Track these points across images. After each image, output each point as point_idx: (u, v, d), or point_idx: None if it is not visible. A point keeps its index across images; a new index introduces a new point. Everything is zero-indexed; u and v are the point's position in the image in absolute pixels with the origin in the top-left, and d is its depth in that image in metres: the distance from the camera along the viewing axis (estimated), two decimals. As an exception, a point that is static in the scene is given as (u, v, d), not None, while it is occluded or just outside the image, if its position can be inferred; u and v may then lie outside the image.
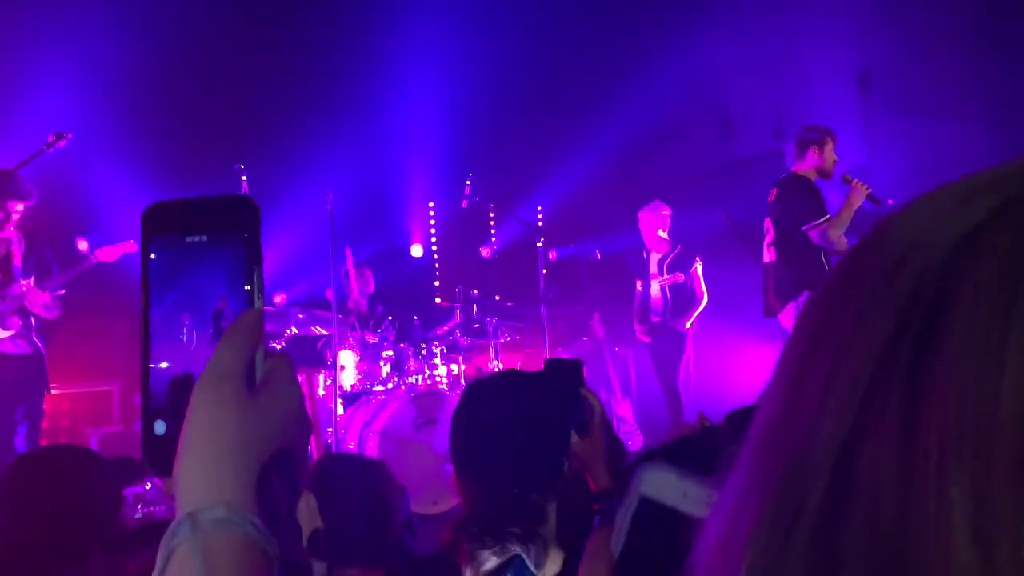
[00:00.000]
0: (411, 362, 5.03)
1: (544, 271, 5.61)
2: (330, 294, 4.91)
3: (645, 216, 5.88)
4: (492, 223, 7.27)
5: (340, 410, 4.73)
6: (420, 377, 5.02)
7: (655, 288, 5.77)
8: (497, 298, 6.20)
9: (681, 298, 5.63)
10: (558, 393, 1.57)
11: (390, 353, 4.98)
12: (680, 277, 5.66)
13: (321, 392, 4.95)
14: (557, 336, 5.80)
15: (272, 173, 5.75)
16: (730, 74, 6.91)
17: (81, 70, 5.09)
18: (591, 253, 7.11)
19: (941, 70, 5.92)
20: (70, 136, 3.45)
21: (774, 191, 4.42)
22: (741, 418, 1.73)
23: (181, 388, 0.56)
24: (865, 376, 0.31)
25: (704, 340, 6.14)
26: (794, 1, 6.37)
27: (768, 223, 4.44)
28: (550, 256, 6.30)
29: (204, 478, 0.50)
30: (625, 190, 7.57)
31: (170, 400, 0.57)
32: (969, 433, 0.28)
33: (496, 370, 5.46)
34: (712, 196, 7.19)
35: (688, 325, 5.62)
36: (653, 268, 5.82)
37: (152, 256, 0.59)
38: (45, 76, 5.05)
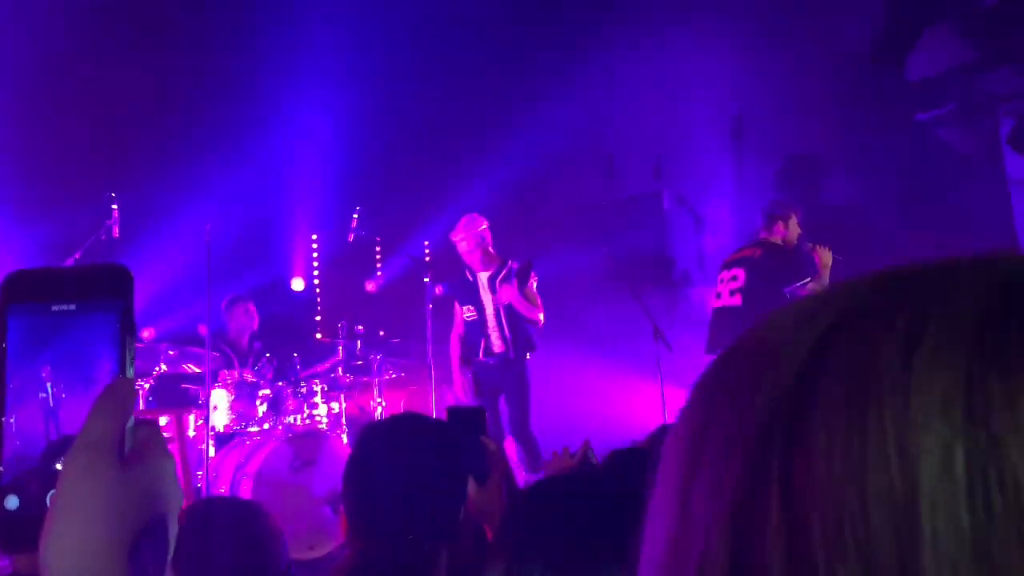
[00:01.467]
0: (289, 401, 4.84)
1: (430, 306, 5.55)
2: (203, 329, 4.67)
3: (464, 235, 5.18)
4: (378, 257, 7.16)
5: (212, 452, 4.49)
6: (298, 417, 4.83)
7: (489, 311, 5.16)
8: (381, 334, 6.09)
9: (517, 320, 5.08)
10: (456, 440, 1.55)
11: (267, 392, 4.78)
12: (512, 294, 4.98)
13: (192, 433, 4.67)
14: (443, 373, 5.73)
15: (145, 202, 5.45)
16: (614, 116, 7.17)
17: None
18: (477, 287, 7.12)
19: (809, 119, 6.36)
20: None
21: (758, 249, 4.83)
22: (622, 459, 1.75)
23: (43, 461, 0.56)
24: (742, 491, 0.31)
25: (577, 375, 6.26)
26: (675, 50, 6.69)
27: (739, 272, 4.79)
28: (436, 291, 6.25)
29: (76, 553, 0.49)
30: (514, 226, 7.67)
31: (26, 475, 0.56)
32: (849, 546, 0.28)
33: (381, 409, 5.33)
34: (596, 232, 7.40)
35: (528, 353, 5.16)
36: (483, 290, 5.19)
37: (10, 325, 0.57)
38: None
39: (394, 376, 5.87)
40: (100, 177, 5.20)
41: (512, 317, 5.07)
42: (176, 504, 0.57)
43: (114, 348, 0.56)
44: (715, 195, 7.10)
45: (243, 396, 4.71)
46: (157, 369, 4.73)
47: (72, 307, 0.57)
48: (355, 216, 5.49)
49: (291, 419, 4.79)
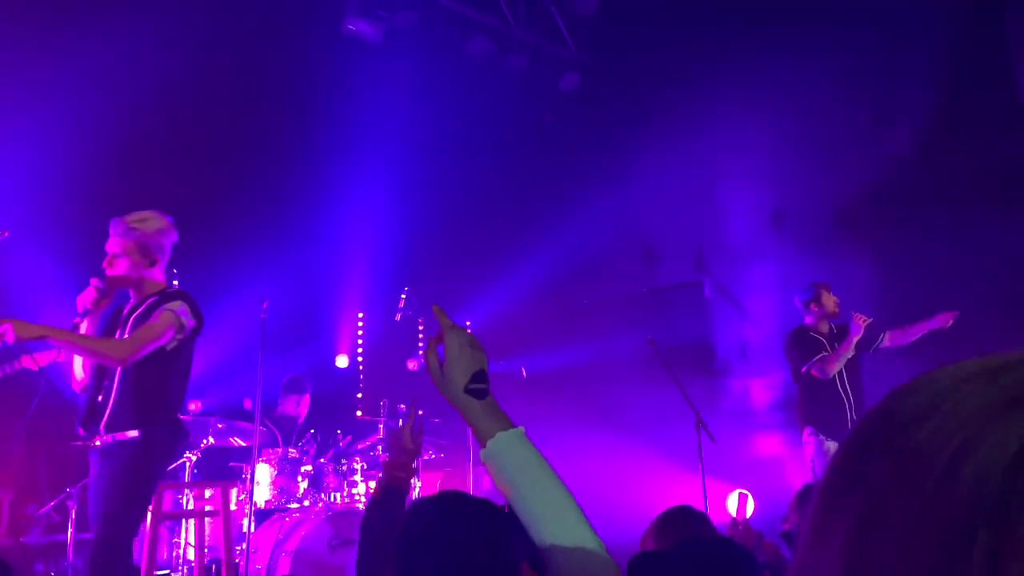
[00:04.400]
0: (330, 478, 4.88)
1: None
2: (249, 404, 4.77)
3: None
4: (421, 336, 7.29)
5: (252, 527, 4.52)
6: (338, 495, 4.86)
7: None
8: (421, 413, 6.12)
9: None
10: (505, 520, 1.56)
11: (308, 468, 4.83)
12: None
13: (233, 507, 4.72)
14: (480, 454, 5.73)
15: (204, 277, 5.67)
16: (656, 207, 7.31)
17: (16, 167, 5.02)
18: (518, 370, 7.17)
19: (850, 212, 6.42)
20: (7, 234, 3.41)
21: (787, 341, 5.28)
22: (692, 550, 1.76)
23: None
24: (939, 568, 0.34)
25: (616, 463, 6.19)
26: (715, 141, 6.86)
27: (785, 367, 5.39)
28: (477, 372, 6.29)
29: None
30: (553, 310, 7.77)
31: None
32: None
33: (417, 490, 5.34)
34: (637, 321, 7.44)
35: None
36: None
37: None
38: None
39: (432, 456, 5.88)
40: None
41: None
42: None
43: None
44: (757, 285, 7.12)
45: (285, 472, 4.77)
46: (205, 442, 4.83)
47: None
48: (403, 296, 5.63)
49: (331, 497, 4.82)
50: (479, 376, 1.30)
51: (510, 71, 7.22)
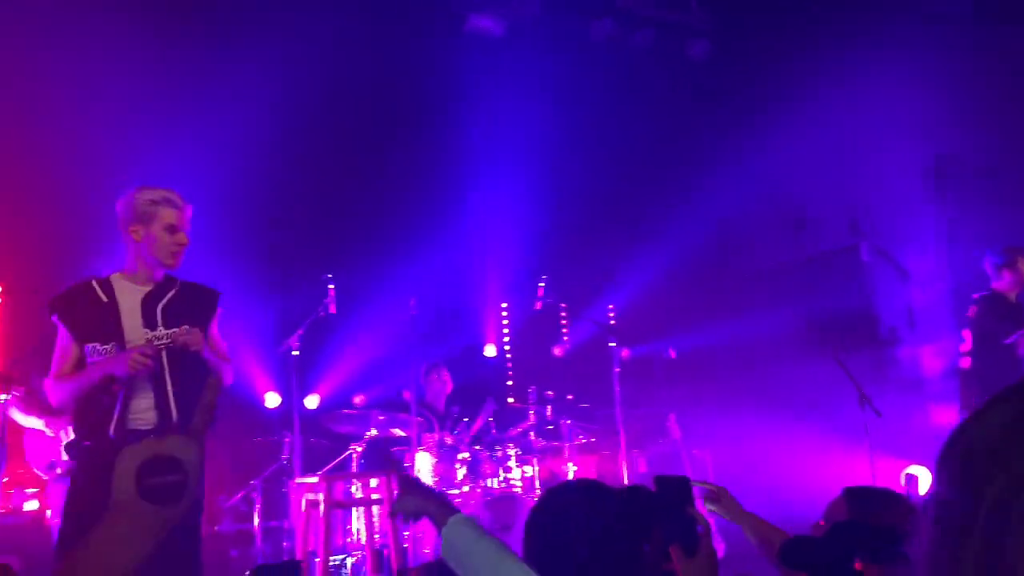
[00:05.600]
0: (486, 464, 5.02)
1: (617, 370, 5.57)
2: (407, 395, 4.99)
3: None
4: (564, 323, 7.32)
5: (416, 513, 4.72)
6: (495, 480, 4.99)
7: None
8: (570, 398, 6.17)
9: None
10: (636, 510, 1.56)
11: (465, 455, 4.99)
12: None
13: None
14: (632, 438, 5.69)
15: (357, 280, 5.99)
16: (803, 171, 6.94)
17: (184, 190, 5.48)
18: (665, 351, 7.05)
19: (1018, 156, 5.82)
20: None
21: (973, 308, 4.81)
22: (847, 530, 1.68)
23: None
24: None
25: (775, 444, 5.95)
26: (864, 97, 6.41)
27: (966, 333, 4.84)
28: (623, 355, 6.25)
29: None
30: (698, 287, 7.56)
31: None
32: None
33: (572, 474, 5.38)
34: (790, 292, 7.10)
35: None
36: None
37: None
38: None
39: (584, 441, 5.90)
40: (318, 261, 5.80)
41: None
42: None
43: None
44: (919, 246, 6.60)
45: (444, 459, 4.95)
46: (368, 433, 5.10)
47: None
48: (541, 285, 5.68)
49: (488, 483, 4.96)
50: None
51: (636, 48, 7.08)
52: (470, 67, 6.66)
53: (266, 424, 6.05)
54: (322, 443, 5.61)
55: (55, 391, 2.85)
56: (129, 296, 2.90)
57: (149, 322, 2.88)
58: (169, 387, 2.86)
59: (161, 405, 2.85)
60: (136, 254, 2.92)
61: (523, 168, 6.89)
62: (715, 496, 2.11)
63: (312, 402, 6.25)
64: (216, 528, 5.57)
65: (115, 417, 2.78)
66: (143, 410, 2.84)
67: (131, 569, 0.83)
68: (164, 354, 2.85)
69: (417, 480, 1.66)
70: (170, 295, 2.98)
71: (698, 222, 7.03)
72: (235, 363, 4.32)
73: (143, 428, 2.83)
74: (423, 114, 6.72)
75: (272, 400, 6.13)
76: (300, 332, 4.86)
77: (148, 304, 2.91)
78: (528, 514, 1.63)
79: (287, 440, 5.28)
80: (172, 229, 2.92)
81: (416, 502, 1.56)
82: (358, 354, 6.34)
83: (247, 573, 4.43)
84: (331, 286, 4.78)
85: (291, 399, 4.91)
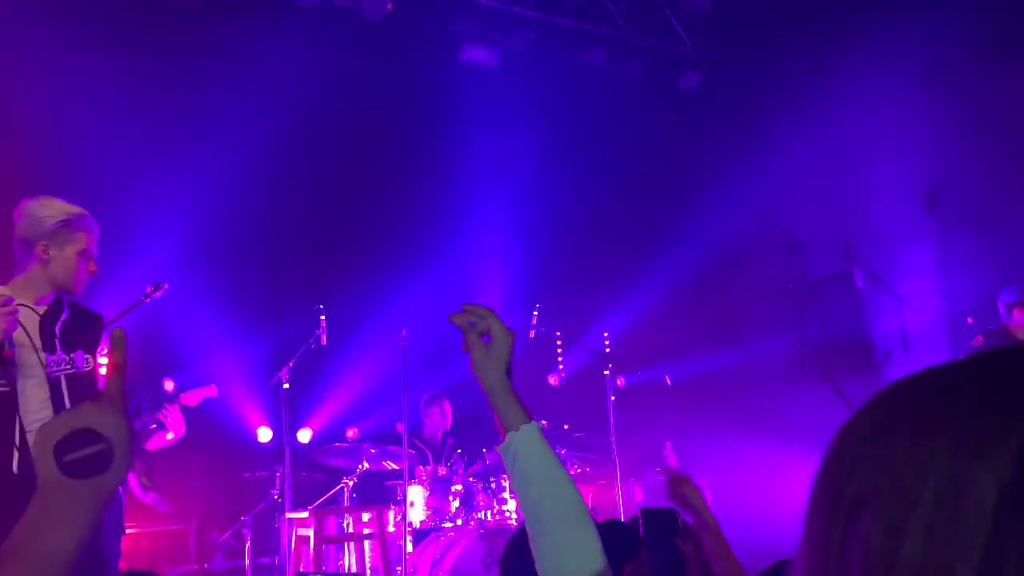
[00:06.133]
0: (480, 496, 4.95)
1: (613, 399, 5.52)
2: (400, 427, 4.93)
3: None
4: (559, 351, 7.29)
5: (409, 547, 4.65)
6: (489, 512, 4.92)
7: None
8: (566, 427, 6.11)
9: None
10: (612, 544, 1.55)
11: (459, 487, 4.93)
12: None
13: (391, 529, 4.89)
14: (628, 466, 5.63)
15: (349, 311, 5.96)
16: (796, 197, 6.96)
17: (173, 223, 5.49)
18: (661, 379, 7.00)
19: (1012, 183, 5.84)
20: (167, 287, 3.59)
21: (980, 338, 4.86)
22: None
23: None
24: None
25: (769, 471, 5.89)
26: (857, 124, 6.46)
27: None
28: (619, 383, 6.21)
29: None
30: (694, 314, 7.54)
31: None
32: None
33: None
34: (784, 318, 7.09)
35: None
36: None
37: None
38: (145, 230, 5.47)
39: (580, 471, 5.84)
40: (311, 292, 5.78)
41: None
42: None
43: None
44: (914, 270, 6.61)
45: (437, 491, 4.88)
46: (360, 467, 5.04)
47: None
48: (535, 313, 5.65)
49: (482, 514, 4.89)
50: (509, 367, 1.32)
51: (627, 78, 7.14)
52: (464, 97, 6.71)
53: (258, 459, 5.99)
54: (314, 477, 5.55)
55: None
56: (24, 315, 2.61)
57: (48, 345, 2.65)
58: None
59: None
60: (37, 271, 2.68)
61: (516, 197, 6.91)
62: (679, 481, 1.94)
63: (304, 436, 6.19)
64: (207, 565, 5.48)
65: (15, 447, 2.52)
66: None
67: (72, 555, 0.79)
68: (64, 383, 2.63)
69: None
70: (64, 318, 2.75)
71: (692, 249, 7.04)
72: (227, 398, 4.27)
73: None
74: (417, 144, 6.76)
75: (264, 435, 6.07)
76: (291, 364, 4.82)
77: (45, 326, 2.67)
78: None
79: (278, 475, 5.21)
80: (88, 256, 2.72)
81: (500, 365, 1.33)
82: (350, 385, 6.30)
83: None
84: (323, 317, 4.75)
85: (282, 433, 4.86)
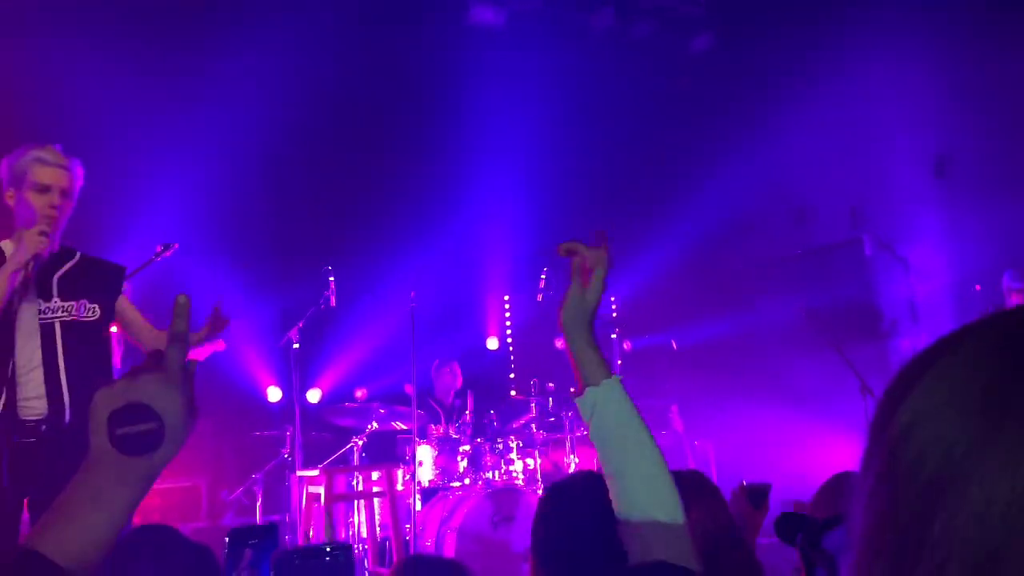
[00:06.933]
0: (487, 457, 5.02)
1: (619, 362, 5.56)
2: (409, 388, 4.99)
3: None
4: (567, 315, 7.29)
5: (418, 506, 4.74)
6: (496, 472, 4.99)
7: None
8: (572, 390, 6.16)
9: None
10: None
11: (467, 448, 5.00)
12: None
13: (400, 487, 4.97)
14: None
15: (357, 273, 5.98)
16: (805, 163, 6.91)
17: (186, 184, 5.50)
18: (667, 343, 7.04)
19: (1021, 148, 5.78)
20: (176, 247, 3.58)
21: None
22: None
23: None
24: None
25: (779, 435, 5.94)
26: (868, 89, 6.38)
27: None
28: (625, 347, 6.25)
29: None
30: (701, 279, 7.54)
31: None
32: None
33: (574, 466, 5.39)
34: (793, 285, 7.09)
35: None
36: None
37: None
38: (155, 191, 5.48)
39: (586, 433, 5.89)
40: (319, 253, 5.80)
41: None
42: None
43: None
44: (922, 238, 6.58)
45: (446, 452, 4.96)
46: (370, 427, 5.11)
47: None
48: (543, 277, 5.67)
49: (489, 475, 4.96)
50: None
51: (637, 40, 7.05)
52: (471, 59, 6.64)
53: (268, 418, 6.06)
54: (323, 436, 5.62)
55: None
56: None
57: (43, 292, 2.60)
58: (62, 372, 2.54)
59: (52, 392, 2.51)
60: (17, 220, 2.64)
61: (524, 160, 6.88)
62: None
63: (314, 396, 6.26)
64: (218, 522, 5.59)
65: (2, 400, 2.48)
66: (30, 398, 2.51)
67: (113, 535, 0.75)
68: (58, 330, 2.56)
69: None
70: (68, 266, 2.70)
71: (700, 214, 7.01)
72: (237, 358, 4.31)
73: (31, 419, 2.51)
74: (424, 106, 6.71)
75: (274, 394, 6.14)
76: (300, 325, 4.86)
77: (43, 273, 2.61)
78: (537, 507, 1.64)
79: (288, 434, 5.29)
80: (43, 188, 2.60)
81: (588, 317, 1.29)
82: (359, 347, 6.35)
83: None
84: (331, 278, 4.77)
85: (292, 393, 4.91)
